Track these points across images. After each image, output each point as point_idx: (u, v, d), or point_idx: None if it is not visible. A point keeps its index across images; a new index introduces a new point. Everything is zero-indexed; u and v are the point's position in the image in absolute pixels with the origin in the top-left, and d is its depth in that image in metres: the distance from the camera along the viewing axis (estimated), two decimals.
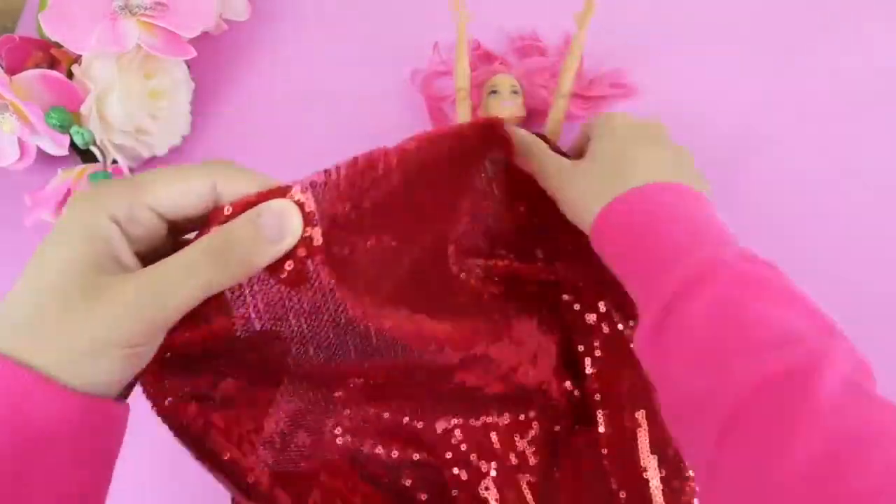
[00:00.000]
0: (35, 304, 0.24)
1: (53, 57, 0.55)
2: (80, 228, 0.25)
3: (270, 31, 0.63)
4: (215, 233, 0.26)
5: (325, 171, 0.29)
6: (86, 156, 0.53)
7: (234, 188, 0.27)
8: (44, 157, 0.53)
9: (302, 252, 0.27)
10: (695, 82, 0.55)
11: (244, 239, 0.26)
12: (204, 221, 0.27)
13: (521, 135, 0.40)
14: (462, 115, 0.50)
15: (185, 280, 0.25)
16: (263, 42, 0.62)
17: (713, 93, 0.54)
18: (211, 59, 0.60)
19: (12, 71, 0.51)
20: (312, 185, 0.28)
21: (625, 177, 0.36)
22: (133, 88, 0.53)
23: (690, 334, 0.30)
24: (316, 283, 0.29)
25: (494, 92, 0.51)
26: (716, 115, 0.53)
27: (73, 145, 0.52)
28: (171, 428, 0.30)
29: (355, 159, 0.30)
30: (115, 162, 0.53)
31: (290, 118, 0.58)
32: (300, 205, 0.27)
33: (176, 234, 0.28)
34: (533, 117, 0.53)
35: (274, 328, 0.29)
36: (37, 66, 0.53)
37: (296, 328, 0.30)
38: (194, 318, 0.27)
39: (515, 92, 0.51)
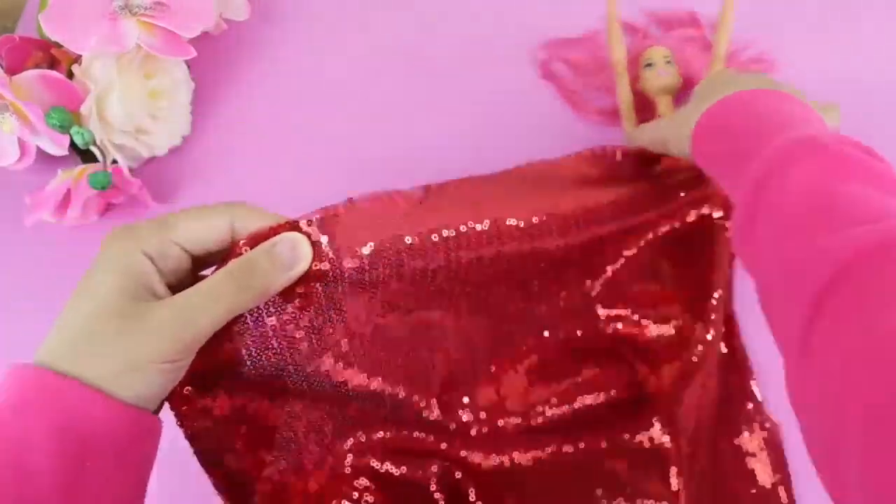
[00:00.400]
0: (85, 327, 0.28)
1: (53, 57, 0.55)
2: (119, 262, 0.29)
3: (270, 31, 0.63)
4: (237, 262, 0.30)
5: (327, 207, 0.33)
6: (86, 156, 0.53)
7: (249, 225, 0.31)
8: (44, 157, 0.52)
9: (311, 277, 0.31)
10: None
11: (262, 266, 0.30)
12: (223, 256, 0.31)
13: (631, 133, 0.47)
14: (622, 89, 0.52)
15: (213, 303, 0.29)
16: (263, 42, 0.62)
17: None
18: (211, 59, 0.60)
19: (12, 71, 0.51)
20: (319, 219, 0.31)
21: (721, 93, 0.37)
22: (133, 88, 0.53)
23: (781, 210, 0.29)
24: (324, 305, 0.32)
25: (650, 65, 0.52)
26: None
27: (73, 145, 0.52)
28: (188, 437, 0.33)
29: (351, 200, 0.34)
30: (115, 162, 0.53)
31: (291, 118, 0.58)
32: (308, 235, 0.31)
33: (196, 269, 0.32)
34: (687, 86, 0.54)
35: (289, 346, 0.32)
36: (37, 66, 0.53)
37: (305, 348, 0.33)
38: (219, 338, 0.30)
39: (669, 62, 0.52)
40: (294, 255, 0.30)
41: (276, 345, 0.32)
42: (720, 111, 0.36)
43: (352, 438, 0.39)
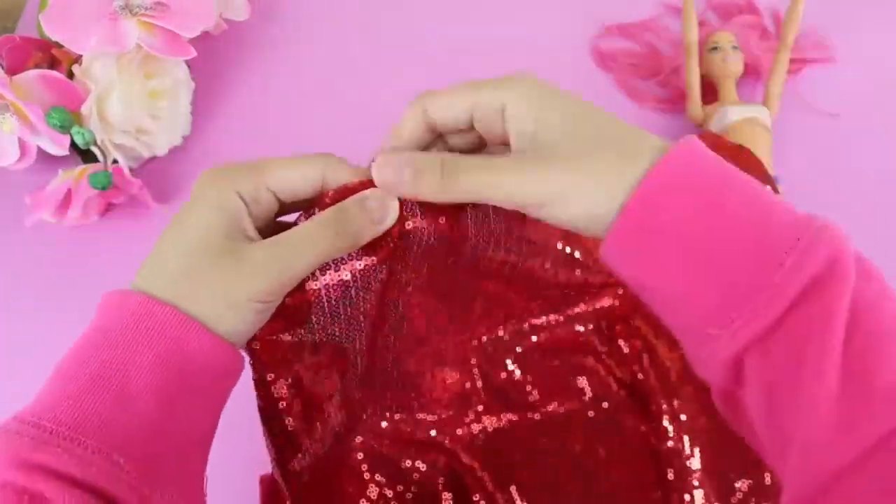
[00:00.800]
0: (185, 262, 0.28)
1: (54, 57, 0.55)
2: (216, 200, 0.29)
3: (270, 31, 0.63)
4: (332, 210, 0.30)
5: None
6: (86, 156, 0.53)
7: (340, 178, 0.31)
8: (44, 157, 0.53)
9: (395, 235, 0.32)
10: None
11: (355, 216, 0.30)
12: (308, 204, 0.32)
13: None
14: (692, 70, 0.53)
15: (308, 247, 0.30)
16: (263, 42, 0.62)
17: None
18: (211, 59, 0.60)
19: (13, 71, 0.51)
20: None
21: (615, 161, 0.27)
22: (133, 88, 0.53)
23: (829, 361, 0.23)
24: (401, 263, 0.34)
25: (715, 48, 0.54)
26: None
27: (73, 145, 0.52)
28: (257, 382, 0.34)
29: None
30: (115, 162, 0.53)
31: (291, 118, 0.58)
32: None
33: (278, 215, 0.33)
34: (746, 74, 0.56)
35: (363, 298, 0.34)
36: (37, 66, 0.53)
37: (376, 303, 0.34)
38: (304, 282, 0.32)
39: (735, 47, 0.54)
40: (384, 210, 0.31)
41: (353, 295, 0.33)
42: (643, 218, 0.26)
43: (383, 422, 0.39)
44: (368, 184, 0.32)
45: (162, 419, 0.27)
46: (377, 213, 0.31)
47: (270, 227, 0.32)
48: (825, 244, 0.24)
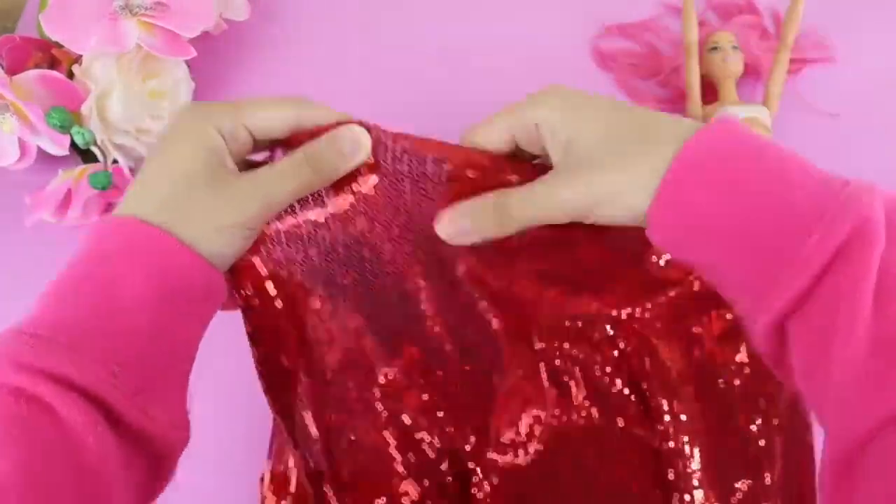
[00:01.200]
0: (172, 188, 0.30)
1: (54, 57, 0.55)
2: (198, 134, 0.31)
3: (270, 31, 0.63)
4: (308, 146, 0.32)
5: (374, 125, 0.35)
6: (86, 156, 0.53)
7: (313, 118, 0.33)
8: (44, 157, 0.53)
9: (364, 170, 0.34)
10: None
11: (328, 154, 0.32)
12: (281, 143, 0.33)
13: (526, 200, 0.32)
14: (692, 70, 0.54)
15: (291, 178, 0.31)
16: (263, 42, 0.62)
17: None
18: (211, 59, 0.60)
19: (13, 71, 0.51)
20: (374, 126, 0.34)
21: (647, 151, 0.29)
22: (133, 88, 0.53)
23: (858, 316, 0.24)
24: (361, 202, 0.35)
25: (715, 48, 0.54)
26: None
27: (73, 145, 0.52)
28: (246, 321, 0.35)
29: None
30: (115, 162, 0.53)
31: None
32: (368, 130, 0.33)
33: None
34: (746, 74, 0.56)
35: (330, 235, 0.35)
36: (37, 66, 0.53)
37: (341, 237, 0.35)
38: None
39: (735, 47, 0.54)
40: (356, 145, 0.33)
41: (317, 232, 0.35)
42: (682, 195, 0.28)
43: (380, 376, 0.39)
44: (340, 124, 0.33)
45: (150, 334, 0.28)
46: (348, 148, 0.33)
47: (243, 164, 0.33)
48: (852, 213, 0.25)
